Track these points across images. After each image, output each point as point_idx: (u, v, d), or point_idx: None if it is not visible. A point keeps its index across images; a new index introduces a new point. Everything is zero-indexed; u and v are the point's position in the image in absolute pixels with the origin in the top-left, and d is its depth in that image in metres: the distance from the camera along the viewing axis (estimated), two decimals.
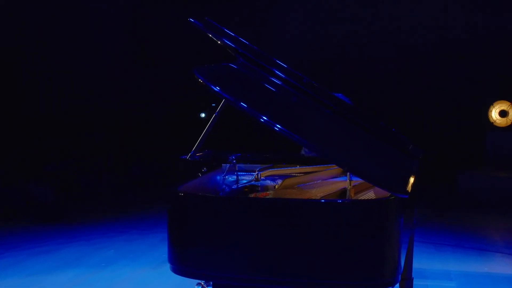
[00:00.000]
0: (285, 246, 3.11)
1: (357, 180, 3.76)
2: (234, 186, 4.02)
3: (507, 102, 11.48)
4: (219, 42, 4.04)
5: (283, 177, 4.19)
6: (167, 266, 5.92)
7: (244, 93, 3.70)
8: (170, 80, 13.54)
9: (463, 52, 12.41)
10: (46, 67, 11.51)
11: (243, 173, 4.36)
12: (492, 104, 11.57)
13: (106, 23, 12.81)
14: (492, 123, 11.57)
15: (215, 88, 3.59)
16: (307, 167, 4.50)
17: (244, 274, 3.18)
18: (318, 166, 4.52)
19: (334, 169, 4.40)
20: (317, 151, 3.48)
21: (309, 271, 3.07)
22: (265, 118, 3.39)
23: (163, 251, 6.51)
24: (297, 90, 3.80)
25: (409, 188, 3.29)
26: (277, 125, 3.29)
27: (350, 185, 3.47)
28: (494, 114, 11.55)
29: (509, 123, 11.44)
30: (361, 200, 3.54)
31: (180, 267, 3.38)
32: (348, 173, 4.02)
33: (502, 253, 6.40)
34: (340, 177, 4.35)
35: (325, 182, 4.16)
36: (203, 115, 13.96)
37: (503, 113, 11.49)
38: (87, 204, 9.63)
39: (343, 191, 3.61)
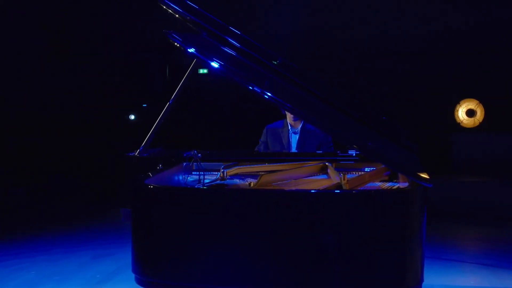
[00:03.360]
0: (291, 249, 2.91)
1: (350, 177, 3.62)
2: (199, 186, 3.80)
3: (475, 100, 11.60)
4: (177, 15, 3.85)
5: (254, 175, 4.02)
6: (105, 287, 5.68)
7: (222, 58, 3.57)
8: (93, 77, 13.09)
9: (424, 47, 12.53)
10: None
11: (205, 173, 4.16)
12: (459, 103, 11.70)
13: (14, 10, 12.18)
14: (459, 123, 11.69)
15: (189, 49, 3.55)
16: (277, 164, 4.36)
17: (239, 285, 2.92)
18: (289, 163, 4.38)
19: (309, 166, 4.26)
20: (319, 125, 3.35)
21: (316, 278, 2.86)
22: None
23: (96, 270, 6.27)
24: (274, 72, 3.68)
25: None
26: (267, 93, 3.16)
27: (344, 179, 3.33)
28: (461, 113, 11.69)
29: (477, 123, 11.58)
30: (385, 189, 3.40)
31: (150, 278, 3.08)
32: (329, 170, 3.89)
33: (485, 265, 6.46)
34: (318, 175, 4.20)
35: (305, 180, 4.02)
36: (132, 117, 13.62)
37: (470, 113, 11.63)
38: None
39: (337, 187, 3.43)
